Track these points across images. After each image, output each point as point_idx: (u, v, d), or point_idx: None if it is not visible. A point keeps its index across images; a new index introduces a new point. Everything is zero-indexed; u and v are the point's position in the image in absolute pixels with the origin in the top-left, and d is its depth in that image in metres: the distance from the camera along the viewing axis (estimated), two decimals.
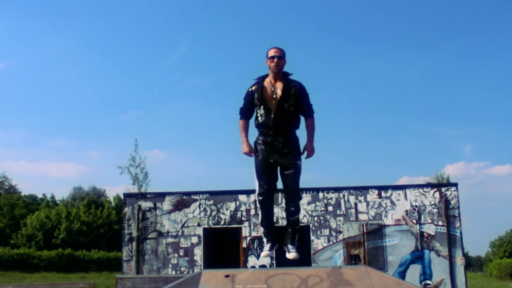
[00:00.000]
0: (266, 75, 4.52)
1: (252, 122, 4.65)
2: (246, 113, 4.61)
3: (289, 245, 4.39)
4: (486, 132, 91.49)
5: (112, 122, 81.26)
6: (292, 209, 4.45)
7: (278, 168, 4.52)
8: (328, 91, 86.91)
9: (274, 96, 4.37)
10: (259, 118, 4.47)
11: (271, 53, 4.44)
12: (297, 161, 4.44)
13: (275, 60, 4.39)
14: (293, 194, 4.45)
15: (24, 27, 78.25)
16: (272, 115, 4.35)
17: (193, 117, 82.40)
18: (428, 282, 14.01)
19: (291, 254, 4.32)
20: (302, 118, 4.57)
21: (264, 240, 4.56)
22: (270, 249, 4.47)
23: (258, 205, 4.65)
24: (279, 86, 4.40)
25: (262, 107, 4.43)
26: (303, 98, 4.45)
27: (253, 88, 4.52)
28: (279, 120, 4.36)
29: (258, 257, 14.64)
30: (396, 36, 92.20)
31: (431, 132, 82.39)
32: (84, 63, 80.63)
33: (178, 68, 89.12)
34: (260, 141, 4.51)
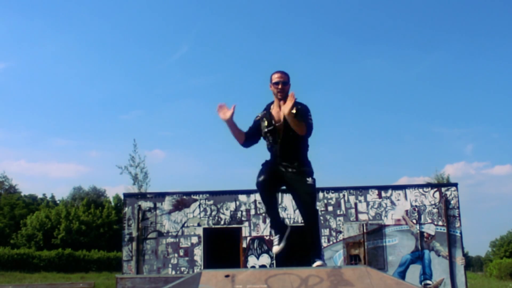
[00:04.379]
0: (273, 102, 4.39)
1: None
2: (248, 133, 4.37)
3: (315, 258, 4.26)
4: (488, 132, 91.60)
5: (113, 122, 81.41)
6: (310, 231, 4.26)
7: (288, 187, 4.39)
8: (328, 91, 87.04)
9: (278, 124, 4.24)
10: (268, 145, 4.38)
11: (275, 78, 4.29)
12: (308, 177, 4.24)
13: (280, 86, 4.26)
14: (308, 220, 4.25)
15: (25, 27, 78.37)
16: (279, 145, 4.25)
17: (194, 117, 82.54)
18: (428, 282, 14.01)
19: (316, 263, 4.21)
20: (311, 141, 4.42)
21: (273, 232, 4.39)
22: (279, 242, 4.32)
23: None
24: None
25: (270, 136, 4.29)
26: (303, 117, 4.20)
27: (260, 115, 4.37)
28: (286, 148, 4.24)
29: (258, 257, 14.64)
30: (396, 36, 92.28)
31: (431, 132, 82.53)
32: (85, 63, 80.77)
33: (179, 68, 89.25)
34: (271, 160, 4.39)
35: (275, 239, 4.42)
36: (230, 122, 4.17)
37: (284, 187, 4.55)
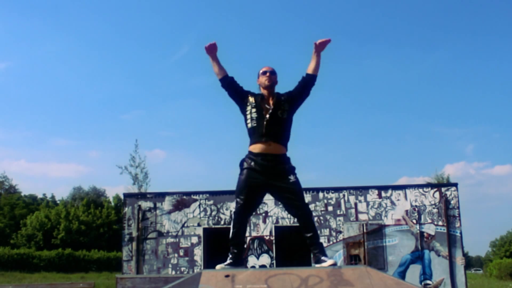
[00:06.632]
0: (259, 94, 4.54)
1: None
2: (232, 81, 4.54)
3: (322, 257, 4.21)
4: (488, 132, 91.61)
5: (114, 121, 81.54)
6: (311, 235, 4.25)
7: (273, 192, 4.37)
8: (328, 91, 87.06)
9: (267, 106, 4.36)
10: (251, 123, 4.39)
11: (264, 69, 4.52)
12: (290, 175, 4.28)
13: (267, 74, 4.46)
14: (305, 218, 4.26)
15: (25, 27, 78.46)
16: (265, 122, 4.30)
17: (195, 117, 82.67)
18: (428, 282, 14.01)
19: (328, 262, 4.12)
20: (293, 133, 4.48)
21: (229, 255, 4.31)
22: (229, 264, 4.23)
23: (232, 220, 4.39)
24: (272, 99, 4.42)
25: (255, 111, 4.37)
26: (295, 88, 4.48)
27: (252, 94, 4.51)
28: (272, 127, 4.31)
29: (258, 257, 14.64)
30: (396, 36, 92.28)
31: (431, 132, 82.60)
32: (86, 62, 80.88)
33: (180, 67, 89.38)
34: (250, 160, 4.35)
35: (230, 257, 4.30)
36: (214, 57, 4.50)
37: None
